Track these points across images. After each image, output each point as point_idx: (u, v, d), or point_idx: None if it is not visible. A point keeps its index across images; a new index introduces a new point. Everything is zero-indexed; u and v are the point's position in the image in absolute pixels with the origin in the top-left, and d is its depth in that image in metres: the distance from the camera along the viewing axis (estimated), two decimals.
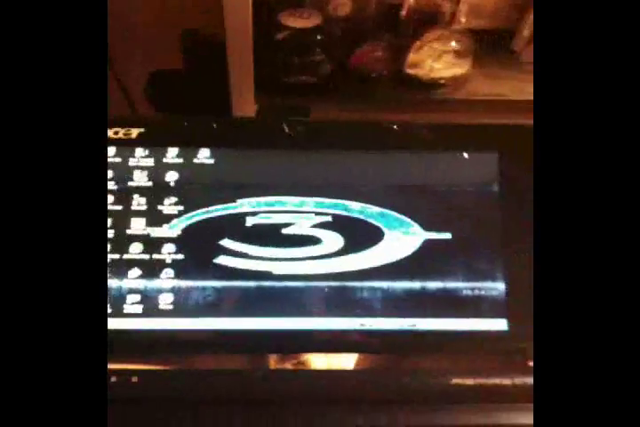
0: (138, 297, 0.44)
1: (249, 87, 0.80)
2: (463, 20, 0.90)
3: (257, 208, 0.45)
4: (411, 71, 0.88)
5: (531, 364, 0.44)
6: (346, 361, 0.45)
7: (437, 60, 0.87)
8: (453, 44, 0.86)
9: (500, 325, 0.45)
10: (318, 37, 0.81)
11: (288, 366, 0.44)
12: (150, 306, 0.44)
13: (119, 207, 0.45)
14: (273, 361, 0.44)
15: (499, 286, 0.45)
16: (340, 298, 0.45)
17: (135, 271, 0.44)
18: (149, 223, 0.44)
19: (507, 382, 0.43)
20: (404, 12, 0.86)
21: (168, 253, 0.44)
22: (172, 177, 0.45)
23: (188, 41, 0.91)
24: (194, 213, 0.45)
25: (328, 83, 0.87)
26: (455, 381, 0.42)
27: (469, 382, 0.42)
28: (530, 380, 0.43)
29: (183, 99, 0.93)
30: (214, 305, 0.44)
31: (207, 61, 0.87)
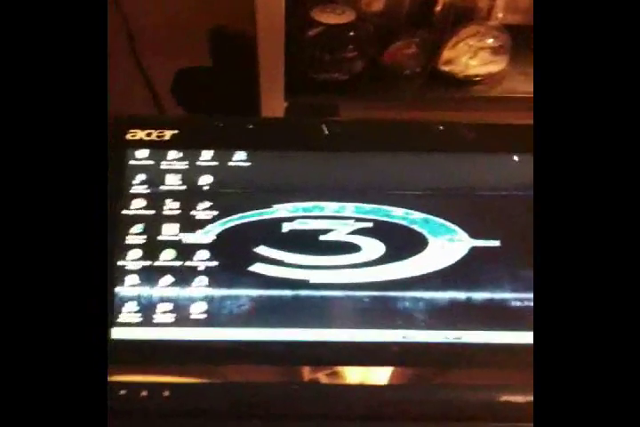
0: (169, 306, 0.42)
1: (279, 85, 0.78)
2: (500, 15, 0.87)
3: (294, 213, 0.43)
4: (445, 68, 0.86)
5: None
6: (386, 375, 0.42)
7: (473, 57, 0.85)
8: (490, 40, 0.84)
9: None
10: (351, 34, 0.79)
11: (325, 379, 0.42)
12: (182, 315, 0.42)
13: (151, 212, 0.43)
14: (309, 374, 0.42)
15: None
16: (381, 308, 0.42)
17: (167, 279, 0.42)
18: (182, 229, 0.42)
19: None
20: (438, 8, 0.83)
21: (201, 260, 0.42)
22: (206, 181, 0.43)
23: (217, 37, 0.89)
24: (228, 218, 0.42)
25: (360, 80, 0.85)
26: (504, 398, 0.40)
27: (519, 399, 0.40)
28: None
29: (211, 97, 0.91)
30: (249, 315, 0.42)
31: (236, 59, 0.85)
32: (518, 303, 0.42)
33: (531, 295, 0.43)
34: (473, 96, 0.87)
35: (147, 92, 0.91)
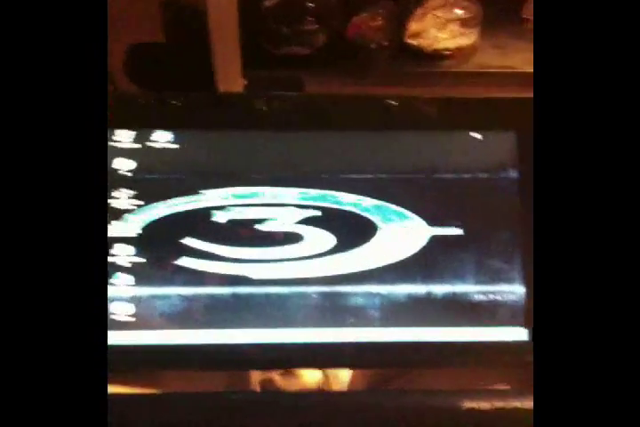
0: None
1: (235, 60, 0.73)
2: None
3: (229, 201, 0.38)
4: (413, 42, 0.82)
5: None
6: (339, 379, 0.38)
7: (442, 30, 0.81)
8: (459, 11, 0.80)
9: (519, 334, 0.38)
10: (310, 5, 0.74)
11: (269, 385, 0.37)
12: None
13: None
14: (251, 380, 0.37)
15: (517, 290, 0.38)
16: (331, 306, 0.38)
17: None
18: None
19: (528, 404, 0.36)
20: None
21: (124, 255, 0.37)
22: (126, 165, 0.38)
23: (169, 11, 0.83)
24: (153, 207, 0.37)
25: (323, 54, 0.80)
26: (468, 404, 0.36)
27: (484, 405, 0.36)
28: None
29: (166, 74, 0.86)
30: (182, 316, 0.37)
31: (190, 33, 0.79)
32: (482, 297, 0.38)
33: (496, 288, 0.38)
34: (443, 71, 0.83)
35: None
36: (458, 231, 0.39)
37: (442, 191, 0.39)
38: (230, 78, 0.74)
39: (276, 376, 0.38)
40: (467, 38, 0.81)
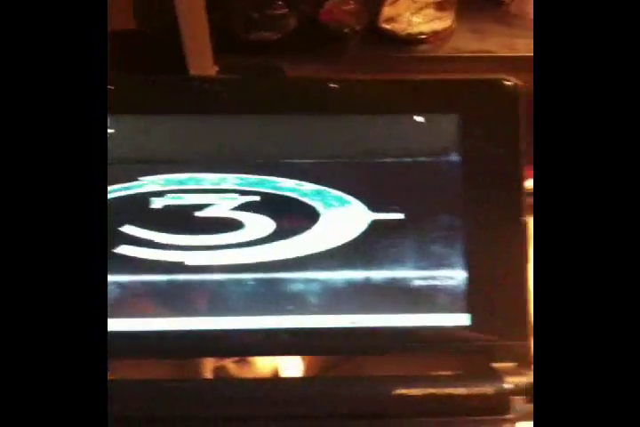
0: None
1: (204, 47, 0.72)
2: None
3: (165, 187, 0.37)
4: (387, 26, 0.80)
5: (495, 366, 0.37)
6: (276, 367, 0.38)
7: (416, 14, 0.80)
8: None
9: (461, 320, 0.38)
10: None
11: (205, 373, 0.37)
12: None
13: None
14: (187, 368, 0.37)
15: (459, 275, 0.38)
16: (269, 293, 0.38)
17: None
18: None
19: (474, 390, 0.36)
20: None
21: None
22: None
23: None
24: None
25: (295, 40, 0.79)
26: (401, 391, 0.35)
27: (417, 391, 0.35)
28: (493, 388, 0.36)
29: (140, 64, 0.85)
30: (118, 303, 0.37)
31: (160, 19, 0.79)
32: (422, 282, 0.38)
33: (438, 273, 0.38)
34: (418, 56, 0.81)
35: None
36: (399, 216, 0.38)
37: (383, 175, 0.38)
38: (201, 66, 0.73)
39: (220, 364, 0.38)
40: (442, 22, 0.80)
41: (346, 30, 0.79)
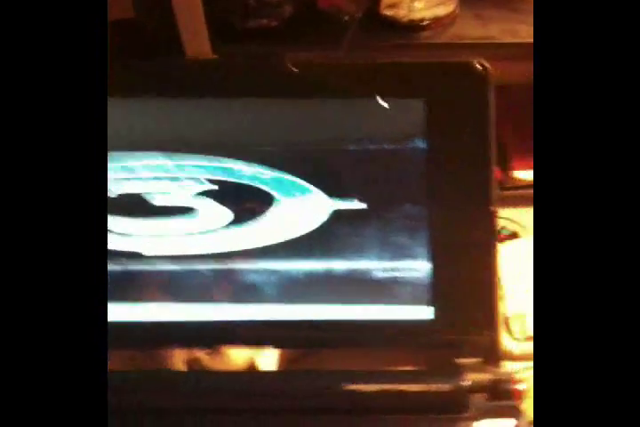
0: None
1: (202, 35, 0.71)
2: None
3: (119, 174, 0.37)
4: (388, 12, 0.78)
5: (459, 361, 0.36)
6: (232, 360, 0.37)
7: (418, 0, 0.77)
8: None
9: (424, 313, 0.36)
10: None
11: (156, 364, 0.36)
12: None
13: None
14: (139, 359, 0.36)
15: (422, 267, 0.36)
16: (226, 283, 0.37)
17: None
18: None
19: (420, 386, 0.35)
20: None
21: None
22: None
23: None
24: None
25: (295, 27, 0.77)
26: (354, 386, 0.34)
27: (371, 387, 0.34)
28: (452, 385, 0.34)
29: (140, 52, 0.85)
30: None
31: (159, 8, 0.78)
32: (383, 274, 0.37)
33: (399, 264, 0.37)
34: (419, 43, 0.79)
35: None
36: (361, 205, 0.37)
37: (345, 163, 0.37)
38: (200, 54, 0.73)
39: (161, 355, 0.37)
40: (444, 8, 0.78)
41: (346, 17, 0.77)
